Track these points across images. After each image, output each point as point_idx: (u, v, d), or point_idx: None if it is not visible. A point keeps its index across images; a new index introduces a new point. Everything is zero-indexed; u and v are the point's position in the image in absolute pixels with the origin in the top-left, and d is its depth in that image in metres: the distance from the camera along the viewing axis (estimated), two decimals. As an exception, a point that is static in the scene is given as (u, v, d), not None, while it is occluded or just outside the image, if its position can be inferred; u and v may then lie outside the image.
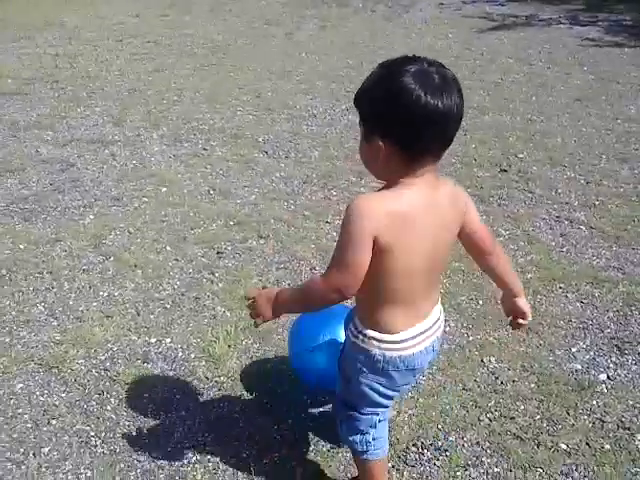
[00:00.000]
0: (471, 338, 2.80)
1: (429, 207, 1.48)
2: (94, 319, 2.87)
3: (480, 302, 3.05)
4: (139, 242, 3.54)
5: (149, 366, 2.59)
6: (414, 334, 1.62)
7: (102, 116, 5.58)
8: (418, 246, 1.49)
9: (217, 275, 3.23)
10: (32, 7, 11.33)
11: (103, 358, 2.64)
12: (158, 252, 3.44)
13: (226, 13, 11.13)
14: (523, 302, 1.78)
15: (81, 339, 2.73)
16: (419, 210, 1.47)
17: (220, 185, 4.24)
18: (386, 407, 1.79)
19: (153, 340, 2.75)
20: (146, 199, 4.04)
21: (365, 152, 1.51)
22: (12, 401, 2.41)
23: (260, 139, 5.08)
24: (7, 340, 2.74)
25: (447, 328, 2.80)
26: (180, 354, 2.67)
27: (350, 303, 1.85)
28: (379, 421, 1.79)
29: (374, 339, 1.60)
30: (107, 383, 2.50)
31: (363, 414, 1.77)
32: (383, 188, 1.51)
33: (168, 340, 2.75)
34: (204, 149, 4.87)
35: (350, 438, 1.83)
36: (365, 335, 1.61)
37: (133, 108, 5.80)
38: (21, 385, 2.49)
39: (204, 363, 2.62)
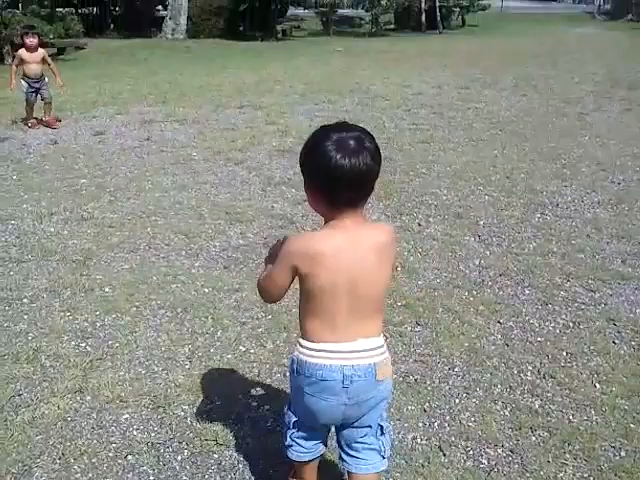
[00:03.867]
0: None
1: (347, 247, 1.82)
2: (219, 371, 3.05)
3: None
4: (303, 306, 3.65)
5: (236, 427, 2.66)
6: (326, 349, 1.87)
7: (346, 180, 5.89)
8: (332, 275, 1.81)
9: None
10: (347, 77, 12.48)
11: (204, 409, 2.78)
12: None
13: (529, 89, 10.96)
14: None
15: (197, 386, 2.92)
16: (337, 249, 1.81)
17: (411, 264, 4.17)
18: (303, 425, 2.04)
19: (254, 404, 2.81)
20: (334, 265, 4.15)
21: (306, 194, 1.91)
22: (112, 429, 2.67)
23: (481, 222, 4.87)
24: (142, 372, 3.05)
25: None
26: (269, 424, 2.69)
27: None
28: (296, 430, 2.06)
29: (299, 344, 1.93)
30: (190, 434, 2.62)
31: (286, 412, 2.10)
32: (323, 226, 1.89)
33: (267, 407, 2.78)
34: (419, 224, 4.84)
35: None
36: (297, 342, 1.95)
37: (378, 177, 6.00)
38: (126, 416, 2.74)
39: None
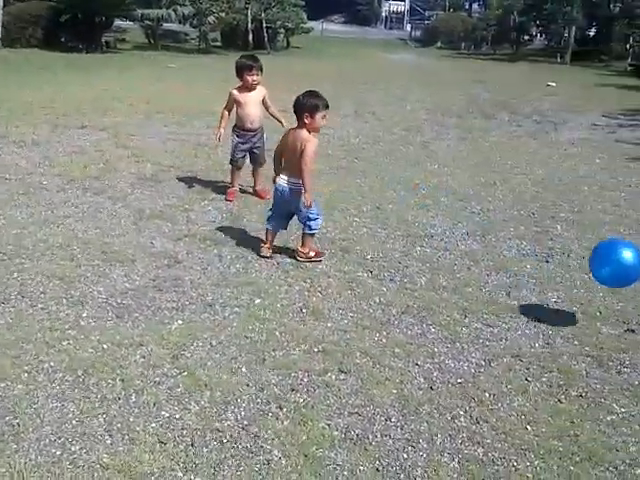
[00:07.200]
0: None
1: (293, 134, 4.58)
2: (147, 444, 2.75)
3: None
4: (217, 358, 3.43)
5: (185, 512, 2.41)
6: (280, 176, 4.70)
7: (222, 212, 5.70)
8: (287, 144, 4.63)
9: (285, 411, 3.03)
10: (190, 97, 12.16)
11: (142, 493, 2.49)
12: (233, 372, 3.31)
13: (369, 116, 11.38)
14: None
15: (127, 467, 2.61)
16: (289, 134, 4.65)
17: (315, 303, 4.10)
18: (272, 214, 4.89)
19: (198, 480, 2.58)
20: (237, 309, 3.97)
21: None
22: (39, 528, 2.31)
23: (369, 256, 4.93)
24: (57, 454, 2.67)
25: None
26: (221, 503, 2.47)
27: None
28: (272, 215, 4.89)
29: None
30: (137, 525, 2.34)
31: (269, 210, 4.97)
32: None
33: (213, 483, 2.56)
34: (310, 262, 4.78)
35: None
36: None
37: (253, 207, 5.89)
38: (53, 511, 2.39)
39: (243, 520, 2.40)
